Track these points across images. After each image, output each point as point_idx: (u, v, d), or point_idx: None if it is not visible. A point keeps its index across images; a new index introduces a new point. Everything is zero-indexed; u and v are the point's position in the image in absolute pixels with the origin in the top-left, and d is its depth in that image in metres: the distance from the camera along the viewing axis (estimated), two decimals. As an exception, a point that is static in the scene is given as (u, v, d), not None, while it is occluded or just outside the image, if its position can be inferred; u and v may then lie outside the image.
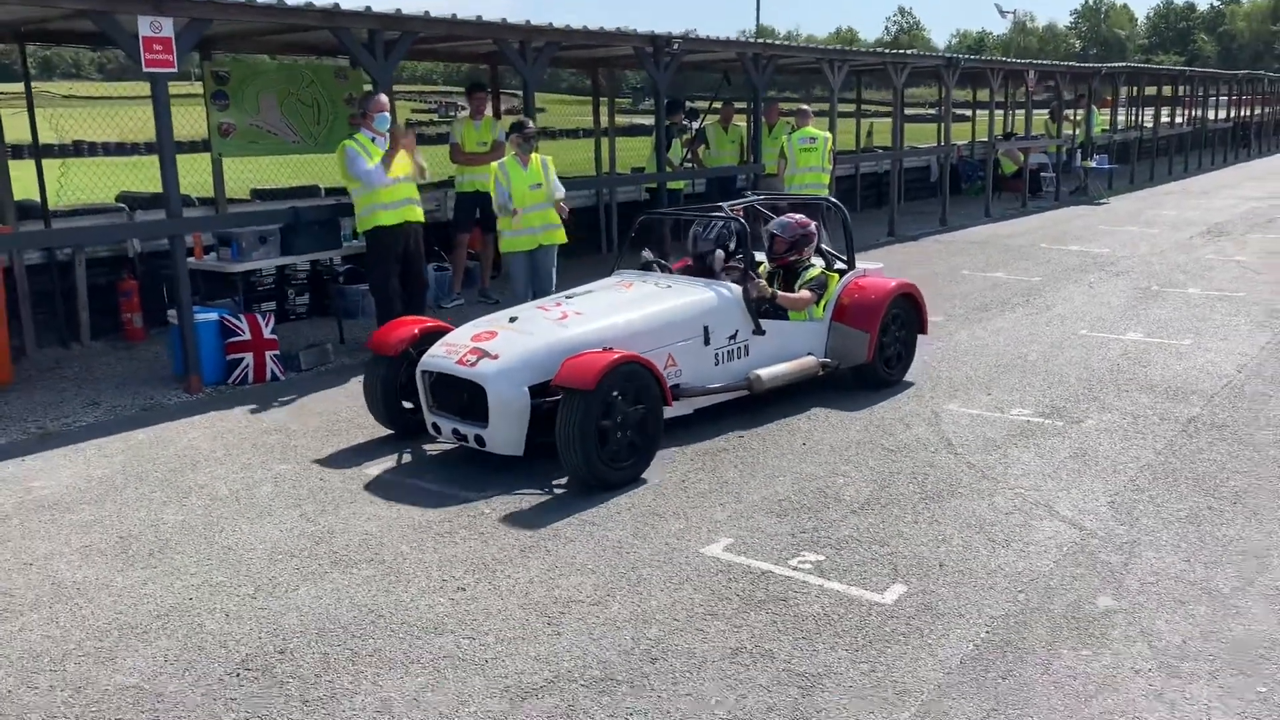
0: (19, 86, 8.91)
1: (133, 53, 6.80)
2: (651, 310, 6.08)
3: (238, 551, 4.63)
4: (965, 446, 5.90)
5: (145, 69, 6.82)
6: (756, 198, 8.00)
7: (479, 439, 5.41)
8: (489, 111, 10.81)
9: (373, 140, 7.80)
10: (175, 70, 6.95)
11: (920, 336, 7.47)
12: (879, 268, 7.78)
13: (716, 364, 6.24)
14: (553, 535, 4.77)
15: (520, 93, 10.80)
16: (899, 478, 5.43)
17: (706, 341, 6.17)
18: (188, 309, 7.17)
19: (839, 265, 7.41)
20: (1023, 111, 21.94)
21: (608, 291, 6.48)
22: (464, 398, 5.46)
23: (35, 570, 4.48)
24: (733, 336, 6.34)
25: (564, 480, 5.39)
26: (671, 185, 12.11)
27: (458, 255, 10.56)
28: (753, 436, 6.15)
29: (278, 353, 7.70)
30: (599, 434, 5.13)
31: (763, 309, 6.60)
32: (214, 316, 7.53)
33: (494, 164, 8.37)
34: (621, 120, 18.88)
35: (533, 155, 8.14)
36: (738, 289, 6.49)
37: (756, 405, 6.56)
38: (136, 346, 8.81)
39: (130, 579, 4.37)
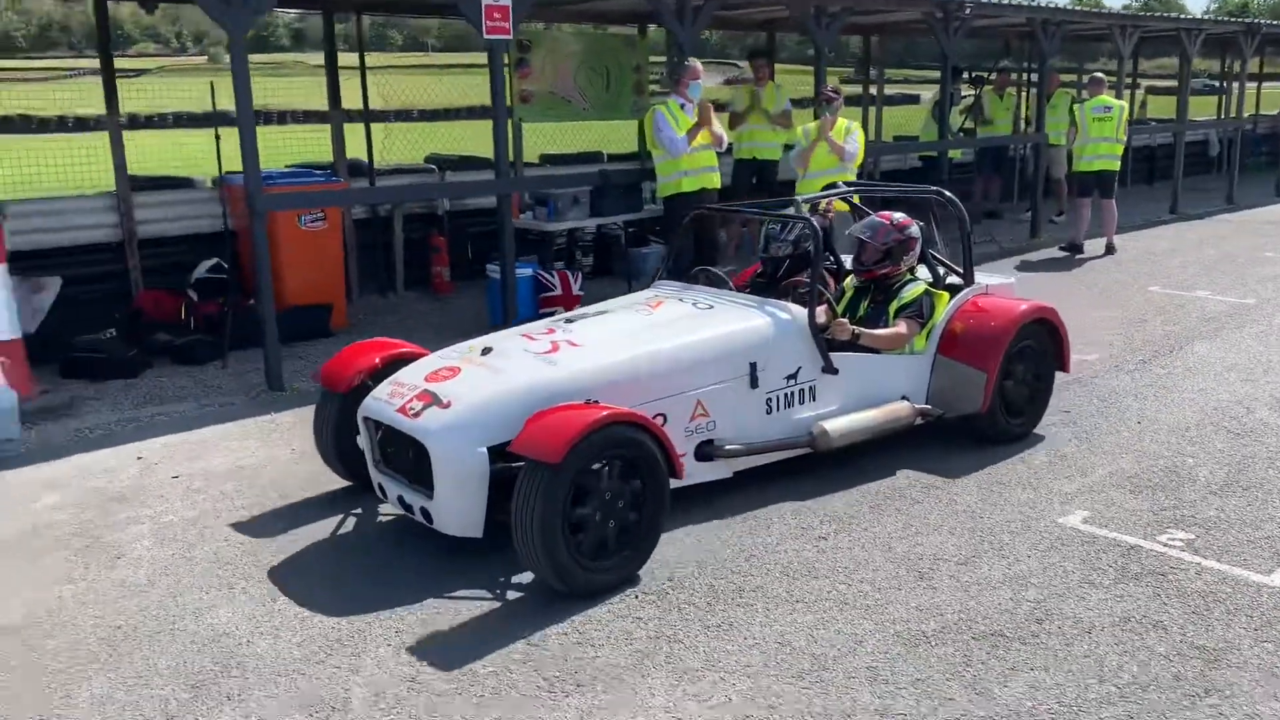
0: (353, 57, 9.68)
1: (475, 21, 7.26)
2: (674, 342, 4.62)
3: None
4: (1321, 434, 5.55)
5: (485, 36, 7.26)
6: (850, 189, 6.32)
7: (425, 513, 4.09)
8: (771, 78, 10.88)
9: (682, 107, 8.01)
10: (510, 38, 7.39)
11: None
12: (1008, 283, 6.20)
13: (769, 412, 4.77)
14: (898, 495, 4.83)
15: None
16: (1255, 463, 5.18)
17: (754, 383, 4.70)
18: (511, 263, 7.64)
19: (952, 279, 5.77)
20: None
21: (625, 313, 5.00)
22: (410, 456, 4.14)
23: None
24: (792, 376, 4.84)
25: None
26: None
27: (732, 226, 10.72)
28: (1079, 414, 6.00)
29: (583, 308, 8.10)
30: (570, 522, 3.78)
31: (839, 346, 5.06)
32: (529, 272, 8.00)
33: (799, 127, 8.45)
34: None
35: (839, 120, 8.15)
36: (801, 313, 4.93)
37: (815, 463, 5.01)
38: (444, 298, 9.45)
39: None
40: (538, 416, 3.86)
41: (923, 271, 5.69)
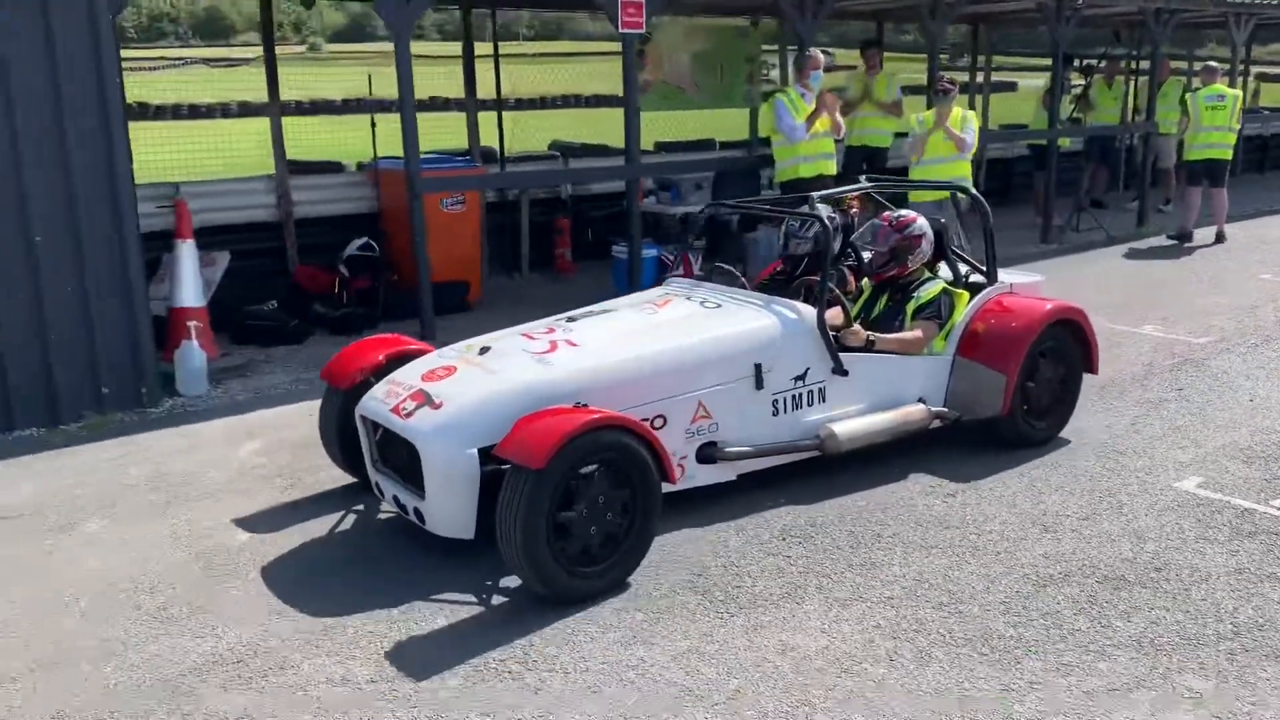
0: (487, 46, 10.27)
1: (611, 15, 7.74)
2: (675, 343, 4.56)
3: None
4: None
5: (620, 30, 7.75)
6: (871, 184, 5.95)
7: (418, 513, 4.10)
8: (882, 67, 11.16)
9: (802, 96, 8.40)
10: (643, 31, 7.85)
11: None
12: (1035, 281, 5.99)
13: (775, 414, 4.70)
14: (1019, 459, 5.18)
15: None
16: (1367, 438, 5.40)
17: (759, 384, 4.63)
18: (638, 243, 8.12)
19: (976, 278, 5.62)
20: None
21: (629, 312, 4.93)
22: (404, 456, 4.15)
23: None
24: (800, 377, 4.75)
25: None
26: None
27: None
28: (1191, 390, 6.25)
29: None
30: (557, 527, 3.75)
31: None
32: (653, 253, 8.47)
33: (912, 116, 8.76)
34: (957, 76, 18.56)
35: (954, 109, 8.44)
36: (810, 312, 4.82)
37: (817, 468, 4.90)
38: (566, 278, 9.98)
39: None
40: (525, 420, 3.81)
41: (945, 271, 5.58)
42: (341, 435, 4.66)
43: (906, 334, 5.13)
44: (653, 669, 3.47)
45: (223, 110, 10.88)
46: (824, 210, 5.43)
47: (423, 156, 9.10)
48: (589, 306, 5.03)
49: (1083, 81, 12.52)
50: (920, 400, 5.07)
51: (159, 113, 15.29)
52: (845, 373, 4.83)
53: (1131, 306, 8.34)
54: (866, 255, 5.46)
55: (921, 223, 5.29)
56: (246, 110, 10.66)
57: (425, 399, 4.12)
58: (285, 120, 8.79)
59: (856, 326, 4.98)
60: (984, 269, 5.58)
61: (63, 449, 5.56)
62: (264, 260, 8.58)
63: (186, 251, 6.83)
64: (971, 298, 5.34)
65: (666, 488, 4.13)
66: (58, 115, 5.66)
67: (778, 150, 8.55)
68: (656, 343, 4.54)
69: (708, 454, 4.51)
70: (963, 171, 8.55)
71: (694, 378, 4.46)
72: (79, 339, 5.91)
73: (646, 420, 4.20)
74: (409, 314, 7.76)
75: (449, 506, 3.97)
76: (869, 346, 4.94)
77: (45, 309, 5.78)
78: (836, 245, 5.44)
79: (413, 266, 8.08)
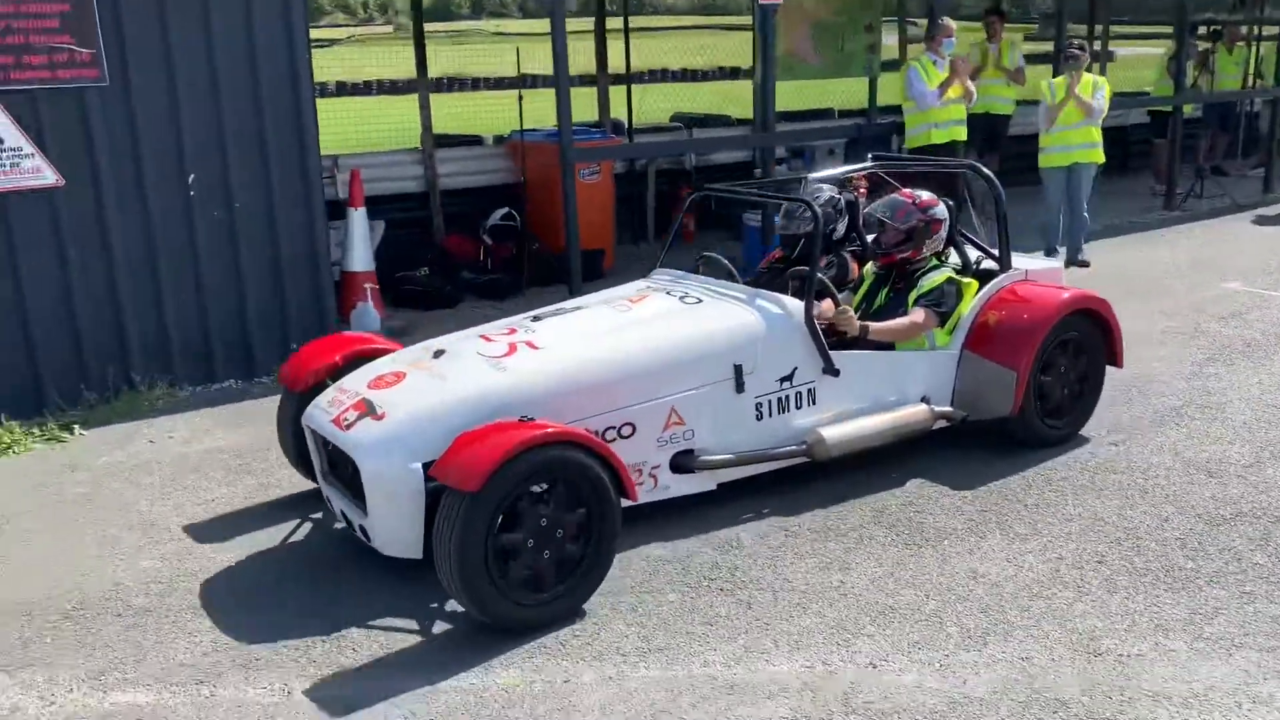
0: (614, 21, 10.60)
1: (752, -12, 7.99)
2: (645, 344, 4.22)
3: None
4: None
5: (759, 4, 7.99)
6: (879, 163, 5.56)
7: (364, 530, 3.83)
8: (1005, 35, 11.19)
9: (934, 63, 8.55)
10: (780, 3, 8.08)
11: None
12: (1053, 268, 5.57)
13: (760, 418, 4.37)
14: (1176, 413, 5.35)
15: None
16: None
17: (740, 387, 4.29)
18: (773, 212, 8.37)
19: (988, 264, 5.24)
20: None
21: (601, 309, 4.57)
22: (349, 470, 3.83)
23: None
24: (787, 378, 4.41)
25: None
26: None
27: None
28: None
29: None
30: (499, 552, 3.45)
31: (847, 340, 4.66)
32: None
33: (1043, 83, 8.84)
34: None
35: (1085, 75, 8.49)
36: (797, 307, 4.47)
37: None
38: (690, 246, 10.26)
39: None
40: (465, 437, 3.51)
41: (953, 259, 5.19)
42: (298, 441, 4.34)
43: (903, 320, 4.75)
44: (854, 590, 3.78)
45: (367, 87, 11.46)
46: (828, 191, 5.27)
47: (549, 129, 9.55)
48: (560, 304, 4.73)
49: (1207, 47, 12.35)
50: (924, 400, 4.73)
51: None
52: (837, 372, 4.47)
53: (1269, 270, 8.33)
54: (872, 237, 5.14)
55: (943, 208, 4.94)
56: (394, 88, 11.15)
57: (368, 409, 3.83)
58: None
59: (848, 310, 4.63)
60: (996, 254, 5.17)
61: (261, 399, 6.06)
62: (413, 229, 9.03)
63: (358, 219, 7.29)
64: (982, 287, 4.98)
65: (647, 495, 4.07)
66: (256, 91, 6.12)
67: (909, 117, 8.72)
68: (625, 344, 4.20)
69: (683, 463, 4.19)
70: (1094, 137, 8.61)
71: (666, 382, 4.14)
72: (271, 299, 6.40)
73: (613, 428, 3.99)
74: (551, 280, 8.14)
75: (392, 525, 3.68)
76: (863, 335, 4.60)
77: (242, 271, 6.27)
78: (841, 228, 5.28)
79: (551, 235, 8.48)
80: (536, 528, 3.51)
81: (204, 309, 6.20)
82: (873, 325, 4.67)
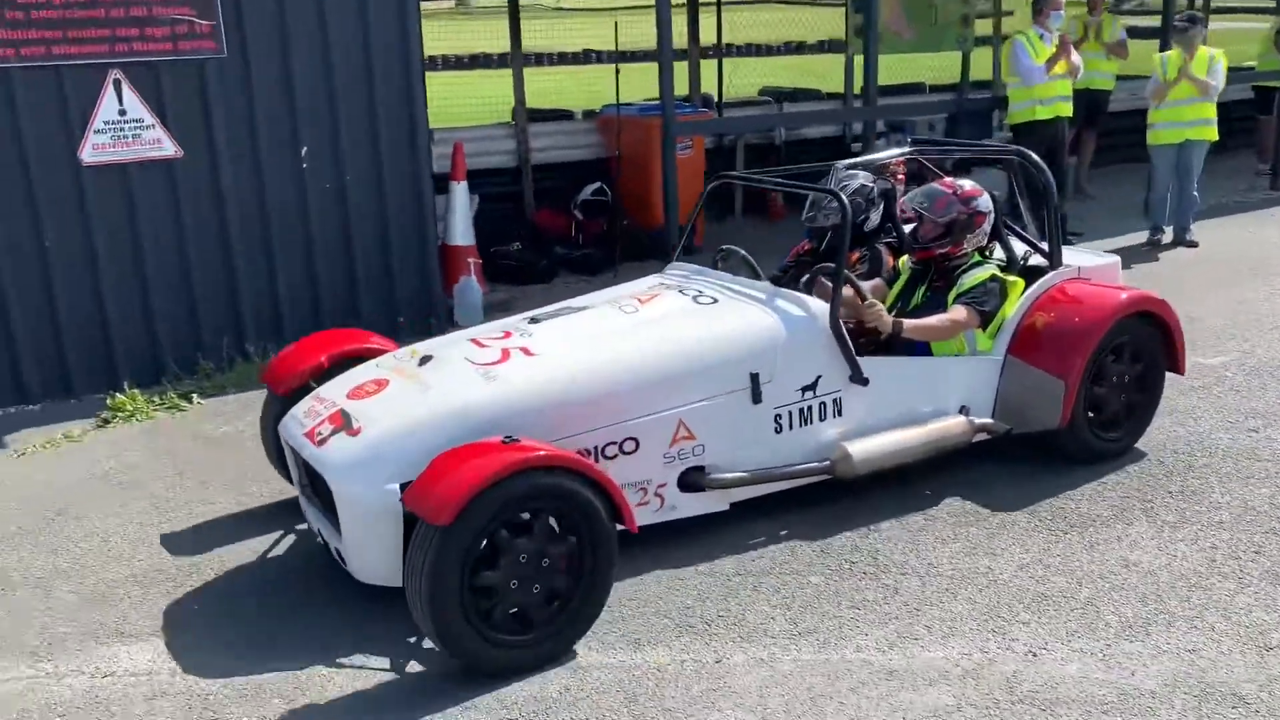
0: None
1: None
2: (649, 351, 3.85)
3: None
4: None
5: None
6: (916, 148, 5.17)
7: (339, 554, 3.54)
8: (1104, 10, 10.86)
9: (1041, 37, 8.30)
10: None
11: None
12: (1108, 264, 4.99)
13: (779, 431, 3.98)
14: (1313, 399, 5.18)
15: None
16: None
17: (756, 398, 3.91)
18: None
19: (1036, 261, 4.77)
20: None
21: (605, 309, 4.18)
22: (325, 487, 3.50)
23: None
24: (809, 387, 4.02)
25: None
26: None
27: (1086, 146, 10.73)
28: None
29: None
30: (476, 589, 3.13)
31: (878, 343, 4.30)
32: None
33: (1155, 56, 8.55)
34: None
35: (1200, 50, 8.20)
36: (821, 309, 4.08)
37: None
38: (778, 223, 10.13)
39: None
40: (442, 459, 3.18)
41: (998, 254, 4.74)
42: (280, 448, 4.00)
43: (942, 317, 4.31)
44: (1002, 576, 3.69)
45: (459, 61, 11.51)
46: (860, 178, 4.89)
47: (647, 103, 9.47)
48: (563, 302, 4.39)
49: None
50: (963, 410, 4.33)
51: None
52: (865, 381, 4.07)
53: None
54: (909, 228, 4.70)
55: (987, 200, 4.49)
56: (485, 62, 11.20)
57: (344, 422, 3.53)
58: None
59: (877, 305, 4.21)
60: (1045, 249, 4.72)
61: (370, 372, 6.08)
62: (505, 204, 9.02)
63: (460, 192, 7.29)
64: (1029, 285, 4.54)
65: (653, 516, 3.75)
66: (368, 64, 6.12)
67: (1013, 92, 8.48)
68: (629, 351, 3.83)
69: (693, 480, 3.84)
70: (1208, 114, 8.31)
71: (673, 392, 3.77)
72: (379, 272, 6.42)
73: (613, 444, 3.66)
74: (643, 255, 8.08)
75: (368, 551, 3.38)
76: (895, 333, 4.20)
77: (352, 244, 6.30)
78: (876, 217, 4.93)
79: (642, 210, 8.42)
80: (520, 562, 3.15)
81: (314, 280, 6.24)
82: (907, 322, 4.26)
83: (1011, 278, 4.53)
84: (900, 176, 5.94)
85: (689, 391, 3.80)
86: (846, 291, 4.11)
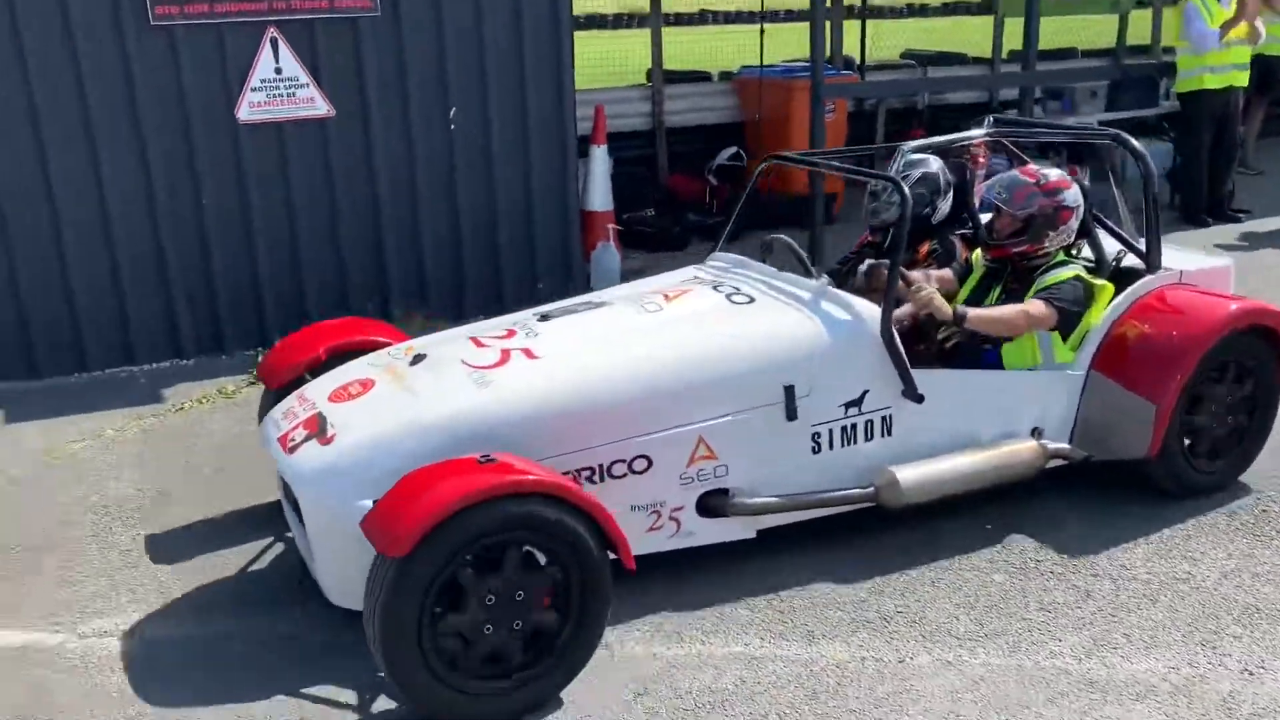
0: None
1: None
2: (667, 356, 3.42)
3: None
4: None
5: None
6: (999, 130, 4.62)
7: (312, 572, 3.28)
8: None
9: (1219, 0, 7.75)
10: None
11: None
12: (1218, 268, 4.37)
13: (815, 451, 3.51)
14: None
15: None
16: None
17: (791, 414, 3.44)
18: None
19: (1132, 262, 4.15)
20: None
21: (625, 307, 3.74)
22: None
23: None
24: (854, 403, 3.54)
25: None
26: None
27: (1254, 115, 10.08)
28: None
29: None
30: (440, 630, 2.79)
31: (940, 347, 3.94)
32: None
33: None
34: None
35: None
36: (872, 312, 3.58)
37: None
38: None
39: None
40: (409, 479, 2.84)
41: (1086, 253, 4.18)
42: None
43: (1011, 308, 3.80)
44: (1205, 584, 3.43)
45: (602, 21, 11.33)
46: (933, 163, 4.37)
47: (788, 65, 9.19)
48: (583, 296, 4.04)
49: None
50: (1035, 432, 3.81)
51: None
52: (920, 398, 3.56)
53: None
54: (986, 218, 4.21)
55: (1076, 192, 3.93)
56: (627, 21, 11.02)
57: (319, 428, 3.19)
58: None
59: (925, 288, 3.68)
60: (1142, 250, 4.10)
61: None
62: (638, 168, 8.86)
63: (600, 156, 7.15)
64: (1120, 290, 3.95)
65: (667, 542, 3.37)
66: (518, 23, 6.01)
67: (1182, 59, 7.95)
68: (643, 356, 3.40)
69: (714, 504, 3.41)
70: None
71: (693, 405, 3.33)
72: (522, 237, 6.35)
73: (621, 462, 3.25)
74: (780, 224, 7.83)
75: (337, 571, 3.07)
76: (958, 323, 3.72)
77: (497, 206, 6.24)
78: (945, 207, 4.41)
79: (780, 177, 8.15)
80: (489, 603, 2.78)
81: (458, 243, 6.20)
82: (971, 311, 3.74)
83: (1099, 281, 3.95)
84: (981, 160, 5.43)
85: (711, 405, 3.36)
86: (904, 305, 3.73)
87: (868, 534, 3.72)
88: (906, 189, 3.67)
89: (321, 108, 5.68)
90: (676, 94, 9.05)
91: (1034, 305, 3.79)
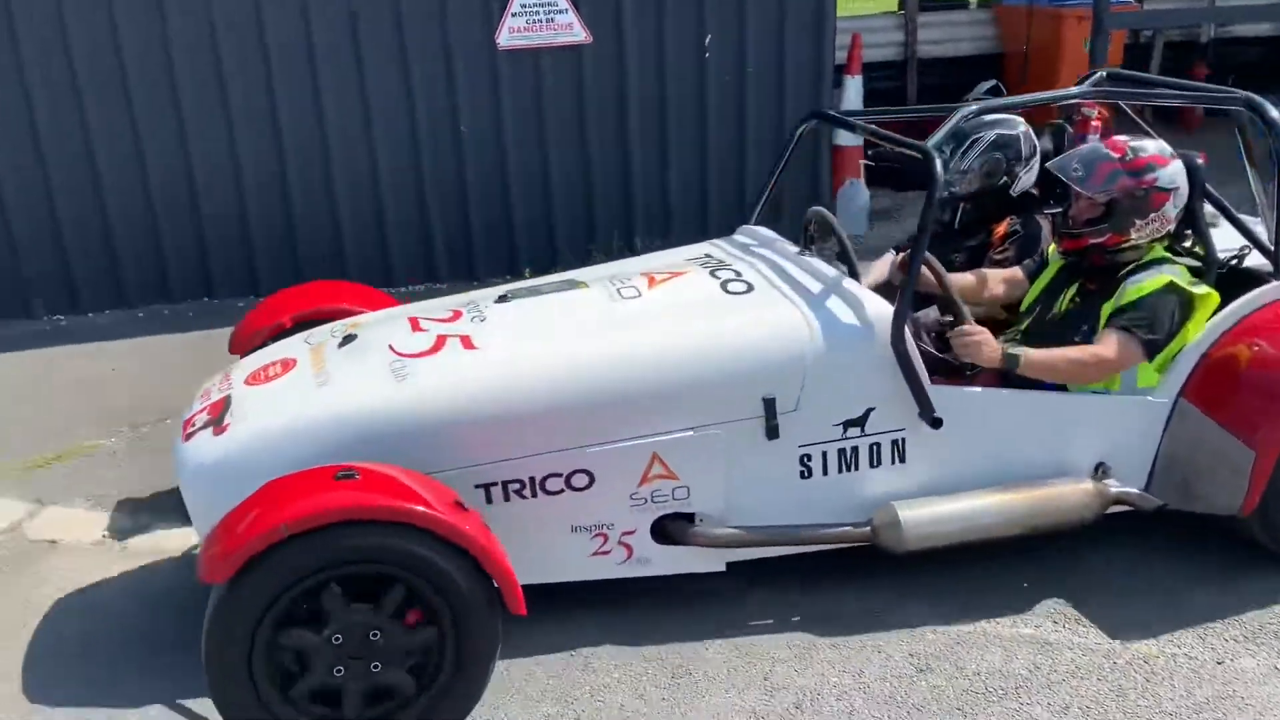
0: None
1: None
2: (623, 356, 2.89)
3: None
4: None
5: None
6: (1111, 89, 3.63)
7: None
8: None
9: None
10: None
11: None
12: None
13: (805, 476, 2.94)
14: None
15: None
16: None
17: (771, 431, 2.87)
18: None
19: (1253, 261, 3.32)
20: None
21: (595, 293, 3.17)
22: None
23: None
24: (855, 422, 2.93)
25: None
26: None
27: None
28: None
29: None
30: (277, 657, 2.42)
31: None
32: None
33: None
34: None
35: None
36: (882, 312, 2.94)
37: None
38: (1194, 132, 8.84)
39: None
40: (263, 491, 2.49)
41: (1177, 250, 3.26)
42: None
43: (1079, 351, 3.04)
44: None
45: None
46: (1018, 125, 3.59)
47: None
48: (557, 275, 3.46)
49: None
50: (1099, 469, 3.09)
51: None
52: (937, 422, 2.92)
53: None
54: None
55: (1177, 170, 3.09)
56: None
57: (220, 413, 2.85)
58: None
59: (969, 332, 2.98)
60: (1270, 248, 3.20)
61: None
62: (887, 101, 8.41)
63: (854, 87, 6.78)
64: (1227, 302, 3.12)
65: (617, 570, 2.90)
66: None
67: None
68: (591, 355, 2.89)
69: (674, 531, 2.90)
70: None
71: (647, 416, 2.82)
72: (769, 171, 6.09)
73: (557, 476, 2.79)
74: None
75: None
76: (1008, 371, 2.99)
77: (746, 140, 6.03)
78: (1029, 179, 3.62)
79: (1049, 115, 7.53)
80: (328, 646, 2.39)
81: (704, 176, 6.06)
82: (1027, 353, 3.00)
83: (1202, 288, 3.11)
84: (1095, 123, 4.68)
85: (670, 417, 2.84)
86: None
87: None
88: (939, 162, 2.90)
89: (579, 34, 5.60)
90: (931, 22, 8.52)
91: (1107, 344, 3.02)
